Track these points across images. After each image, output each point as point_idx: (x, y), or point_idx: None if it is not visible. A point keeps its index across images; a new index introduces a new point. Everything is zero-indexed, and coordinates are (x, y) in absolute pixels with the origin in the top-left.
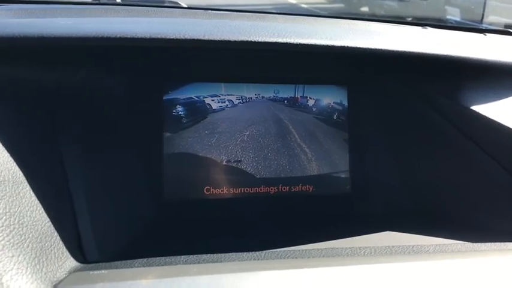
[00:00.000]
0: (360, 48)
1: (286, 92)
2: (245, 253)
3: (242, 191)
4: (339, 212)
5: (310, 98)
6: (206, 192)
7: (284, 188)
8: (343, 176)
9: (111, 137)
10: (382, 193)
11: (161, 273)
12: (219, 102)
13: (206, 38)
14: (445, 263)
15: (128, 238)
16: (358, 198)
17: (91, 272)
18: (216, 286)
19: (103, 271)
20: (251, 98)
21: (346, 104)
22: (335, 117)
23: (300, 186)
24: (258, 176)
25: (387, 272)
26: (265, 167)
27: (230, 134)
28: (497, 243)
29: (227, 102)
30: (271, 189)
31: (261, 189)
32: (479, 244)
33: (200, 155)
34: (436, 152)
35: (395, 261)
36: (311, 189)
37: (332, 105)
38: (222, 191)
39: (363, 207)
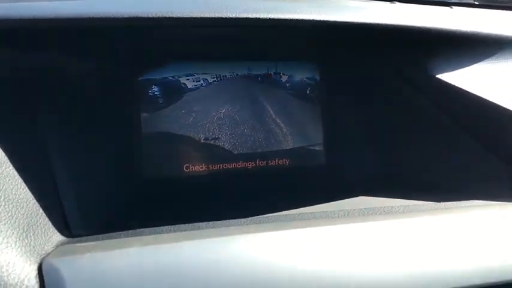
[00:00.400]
0: (328, 21)
1: (259, 69)
2: (226, 220)
3: (221, 167)
4: (314, 182)
5: (283, 74)
6: (185, 170)
7: (261, 163)
8: (317, 148)
9: (91, 118)
10: (354, 162)
11: (147, 242)
12: (194, 81)
13: (175, 15)
14: (414, 220)
15: (110, 214)
16: (332, 168)
17: (78, 244)
18: (201, 251)
19: (90, 243)
20: (225, 76)
21: (319, 78)
22: (308, 92)
23: (276, 160)
24: (236, 152)
25: (361, 231)
26: (242, 143)
27: (206, 112)
28: (461, 202)
29: (202, 81)
30: (249, 164)
31: (239, 165)
32: (445, 203)
33: (178, 133)
34: (405, 121)
35: (368, 221)
36: (287, 162)
37: (305, 81)
38: (201, 167)
39: (337, 176)
